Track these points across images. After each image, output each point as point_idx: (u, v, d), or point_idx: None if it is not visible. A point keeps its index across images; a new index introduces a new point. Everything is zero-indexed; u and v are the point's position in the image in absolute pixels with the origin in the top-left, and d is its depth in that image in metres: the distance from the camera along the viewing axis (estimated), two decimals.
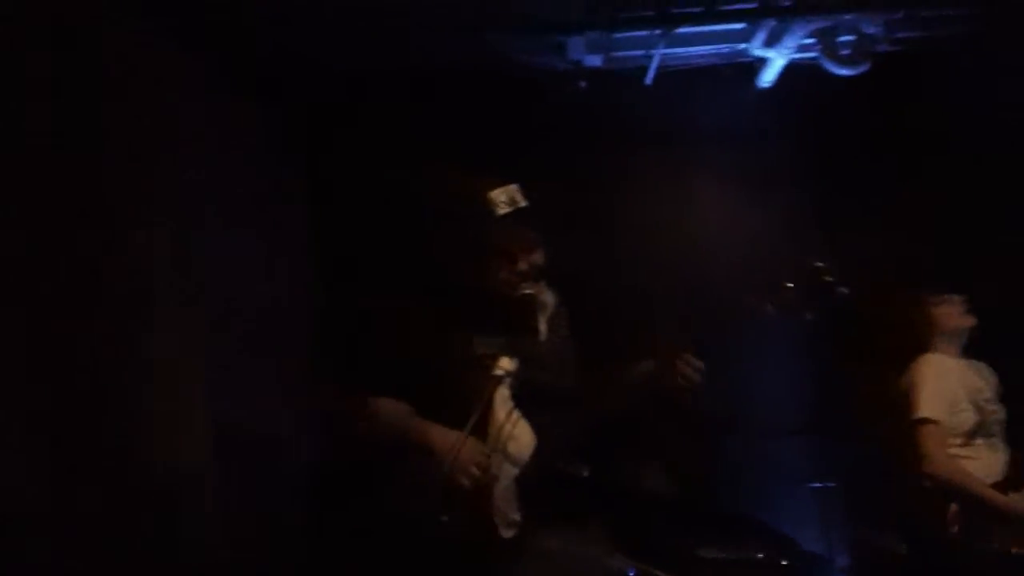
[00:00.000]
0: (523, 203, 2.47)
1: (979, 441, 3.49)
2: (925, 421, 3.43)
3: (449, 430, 2.39)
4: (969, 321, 3.60)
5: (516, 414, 2.47)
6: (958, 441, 3.47)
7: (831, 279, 2.35)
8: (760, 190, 5.34)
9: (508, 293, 2.47)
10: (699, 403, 4.30)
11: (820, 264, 2.38)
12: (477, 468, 2.37)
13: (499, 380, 2.41)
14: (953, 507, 3.37)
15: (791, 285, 2.36)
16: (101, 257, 3.09)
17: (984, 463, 3.45)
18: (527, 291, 2.50)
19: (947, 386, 3.50)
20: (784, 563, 3.95)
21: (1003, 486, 3.37)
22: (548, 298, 2.60)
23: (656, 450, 4.50)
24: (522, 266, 2.49)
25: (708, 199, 5.46)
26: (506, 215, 2.45)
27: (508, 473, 2.45)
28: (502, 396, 2.47)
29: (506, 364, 2.41)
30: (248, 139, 4.38)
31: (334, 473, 2.56)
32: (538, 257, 2.54)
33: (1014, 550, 3.26)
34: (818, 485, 4.61)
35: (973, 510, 3.34)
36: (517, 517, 2.44)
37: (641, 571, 3.78)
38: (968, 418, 3.47)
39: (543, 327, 2.57)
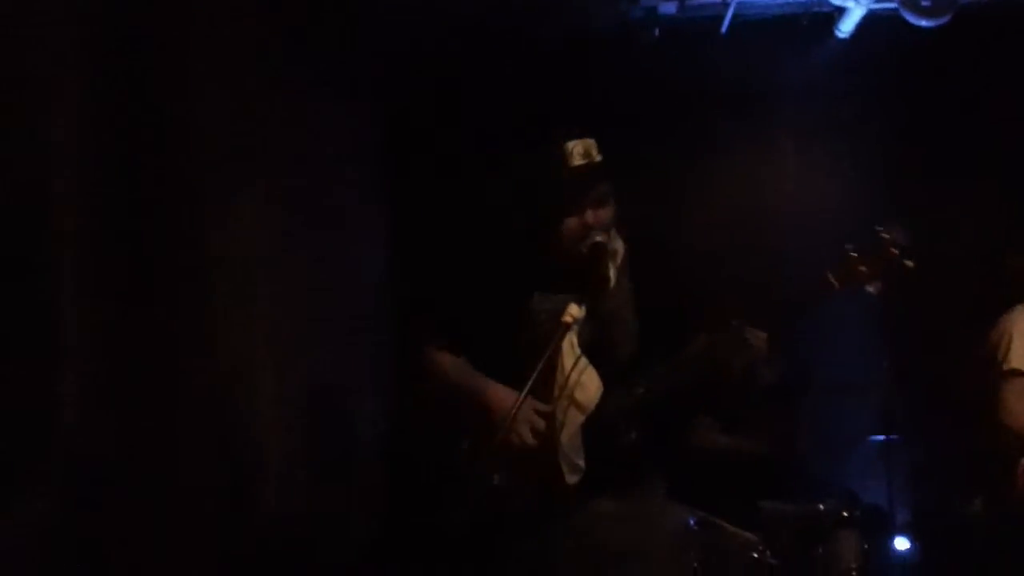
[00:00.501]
0: (598, 157, 2.50)
1: None
2: (1015, 373, 3.40)
3: (507, 389, 2.45)
4: None
5: (583, 361, 2.50)
6: None
7: (898, 251, 2.29)
8: (836, 147, 5.28)
9: (578, 243, 2.50)
10: (757, 378, 4.39)
11: (886, 234, 2.32)
12: (533, 429, 2.43)
13: (567, 327, 2.43)
14: (1023, 464, 3.36)
15: (855, 255, 2.31)
16: (210, 232, 3.19)
17: None
18: (598, 239, 2.51)
19: None
20: (845, 515, 4.00)
21: None
22: (618, 246, 2.61)
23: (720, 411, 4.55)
24: (589, 218, 2.50)
25: (782, 156, 5.41)
26: (578, 167, 2.47)
27: (574, 419, 2.48)
28: (570, 343, 2.49)
29: (574, 311, 2.43)
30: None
31: (406, 437, 2.64)
32: (608, 212, 2.55)
33: None
34: (881, 438, 4.61)
35: None
36: (581, 463, 2.48)
37: (701, 520, 3.89)
38: None
39: (612, 275, 2.59)
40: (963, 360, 3.76)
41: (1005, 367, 3.38)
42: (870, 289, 2.29)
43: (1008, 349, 3.41)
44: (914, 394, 4.69)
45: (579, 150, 2.47)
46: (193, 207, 3.19)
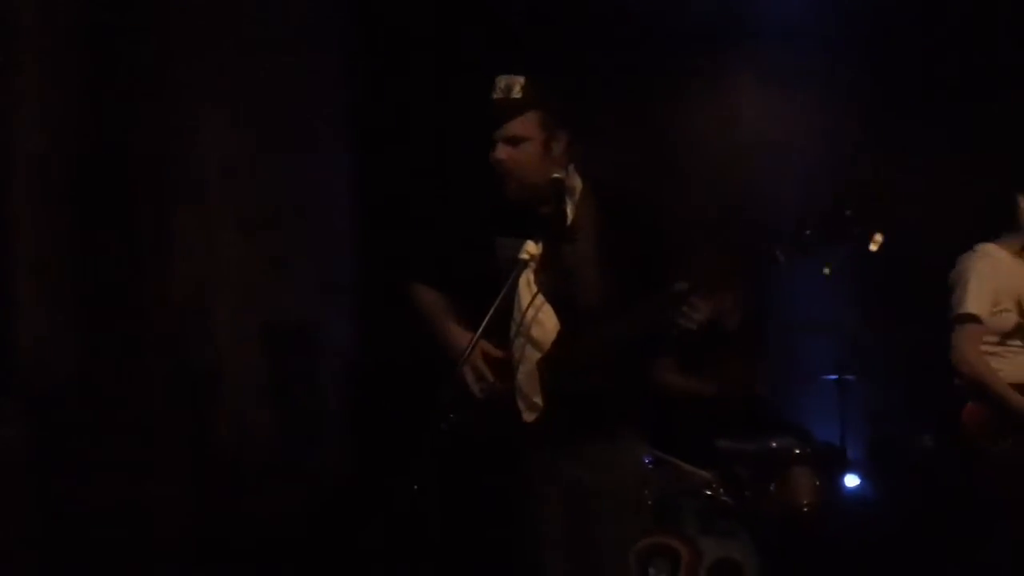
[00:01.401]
0: (517, 95, 2.43)
1: (1016, 343, 3.45)
2: (966, 318, 3.41)
3: (464, 332, 2.47)
4: None
5: (540, 299, 2.46)
6: (994, 339, 3.45)
7: (852, 223, 2.24)
8: (805, 90, 5.27)
9: (504, 183, 2.47)
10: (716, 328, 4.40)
11: (841, 207, 2.25)
12: (489, 371, 2.44)
13: (524, 264, 2.42)
14: (969, 406, 3.41)
15: (808, 232, 2.23)
16: (173, 157, 3.14)
17: (1013, 364, 3.43)
18: (556, 175, 2.46)
19: (995, 284, 3.44)
20: (798, 452, 4.05)
21: None
22: (576, 183, 2.57)
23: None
24: (499, 153, 2.45)
25: (752, 106, 5.38)
26: (496, 101, 2.43)
27: (531, 357, 2.46)
28: (527, 280, 2.46)
29: (531, 248, 2.42)
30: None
31: (372, 366, 2.62)
32: (525, 153, 2.50)
33: None
34: (835, 377, 4.67)
35: (994, 410, 3.38)
36: (539, 401, 2.45)
37: (658, 459, 3.93)
38: (1009, 319, 3.43)
39: (570, 211, 2.56)
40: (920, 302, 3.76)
41: (959, 311, 3.41)
42: (824, 271, 2.28)
43: (964, 293, 3.43)
44: (869, 334, 4.73)
45: (501, 85, 2.44)
46: (156, 133, 3.13)
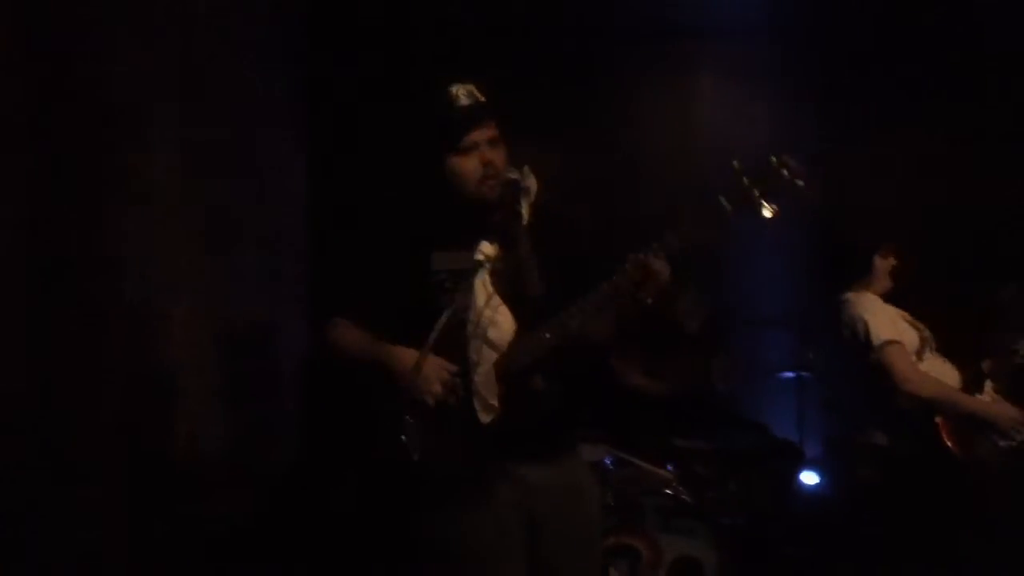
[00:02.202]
0: (482, 98, 2.47)
1: (928, 355, 3.58)
2: (888, 343, 3.50)
3: (410, 351, 2.41)
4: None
5: (496, 300, 2.45)
6: (913, 359, 3.57)
7: (789, 173, 2.25)
8: (756, 86, 5.30)
9: (481, 184, 2.45)
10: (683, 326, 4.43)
11: (776, 158, 2.27)
12: (442, 385, 2.40)
13: (480, 265, 2.41)
14: (939, 420, 3.46)
15: (747, 179, 2.25)
16: (127, 162, 3.10)
17: (943, 373, 3.55)
18: (511, 176, 2.47)
19: (887, 313, 3.62)
20: (757, 450, 4.09)
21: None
22: (531, 183, 2.57)
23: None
24: (487, 156, 2.45)
25: (701, 95, 5.41)
26: (465, 107, 2.45)
27: (488, 358, 2.44)
28: (483, 282, 2.45)
29: (487, 249, 2.42)
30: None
31: (323, 371, 2.59)
32: (503, 152, 2.50)
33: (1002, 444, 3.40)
34: (792, 375, 4.70)
35: (955, 418, 3.44)
36: (495, 402, 2.42)
37: (619, 459, 3.93)
38: (913, 336, 3.58)
39: (525, 212, 2.56)
40: None
41: (878, 341, 3.49)
42: (766, 214, 2.25)
43: (868, 330, 3.53)
44: (826, 330, 4.76)
45: (463, 92, 2.47)
46: (108, 139, 3.10)
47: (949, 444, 3.42)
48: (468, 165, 2.45)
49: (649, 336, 4.36)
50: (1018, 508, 3.41)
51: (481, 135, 2.46)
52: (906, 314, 3.69)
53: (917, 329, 3.62)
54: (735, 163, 2.30)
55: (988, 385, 3.53)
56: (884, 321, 3.56)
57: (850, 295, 3.71)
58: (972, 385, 3.52)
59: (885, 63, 5.17)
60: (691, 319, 4.40)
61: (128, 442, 3.09)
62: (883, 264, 3.72)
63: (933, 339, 3.63)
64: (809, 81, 5.23)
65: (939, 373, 3.54)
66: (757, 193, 2.26)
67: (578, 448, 2.70)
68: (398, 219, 2.65)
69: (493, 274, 2.47)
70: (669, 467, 3.96)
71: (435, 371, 2.40)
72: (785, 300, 4.87)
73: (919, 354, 3.56)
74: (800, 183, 2.26)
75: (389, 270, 2.54)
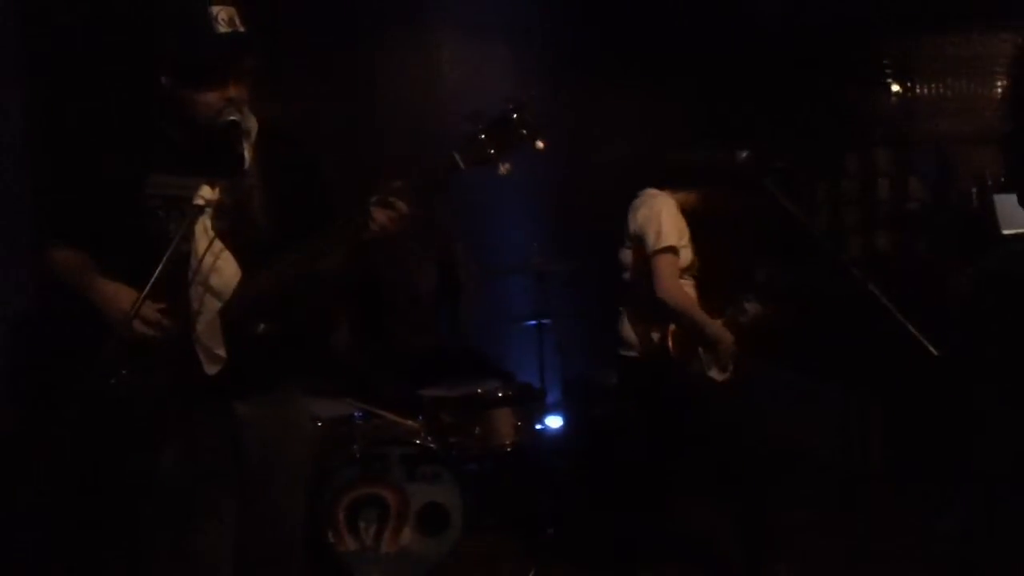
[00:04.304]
0: (241, 28, 2.28)
1: (686, 278, 3.74)
2: (667, 250, 3.63)
3: (119, 286, 2.31)
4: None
5: (218, 245, 2.35)
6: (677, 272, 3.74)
7: (527, 130, 2.24)
8: (495, 46, 5.40)
9: (214, 119, 2.29)
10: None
11: (515, 114, 2.24)
12: (147, 323, 2.28)
13: (199, 210, 2.29)
14: (672, 328, 3.65)
15: (483, 136, 2.23)
16: None
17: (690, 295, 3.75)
18: (232, 117, 2.30)
19: (679, 223, 3.71)
20: (500, 396, 4.20)
21: None
22: (252, 124, 2.46)
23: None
24: (232, 92, 2.30)
25: (440, 54, 5.46)
26: (225, 35, 2.24)
27: (211, 307, 2.35)
28: (203, 226, 2.33)
29: (207, 193, 2.30)
30: None
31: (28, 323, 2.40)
32: (246, 88, 2.39)
33: (711, 374, 3.62)
34: (534, 323, 4.85)
35: (689, 334, 3.64)
36: (221, 352, 2.36)
37: (366, 412, 3.95)
38: (687, 255, 3.72)
39: (247, 155, 2.46)
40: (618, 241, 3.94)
41: (661, 244, 3.63)
42: (501, 171, 2.25)
43: (661, 227, 3.65)
44: (568, 276, 4.94)
45: (224, 16, 2.26)
46: None
47: (671, 348, 3.62)
48: (208, 99, 2.29)
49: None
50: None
51: (233, 70, 2.30)
52: (687, 231, 3.78)
53: (689, 251, 3.75)
54: (472, 122, 2.27)
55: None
56: (673, 227, 3.66)
57: (653, 191, 3.79)
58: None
59: (621, 23, 5.40)
60: (420, 279, 4.51)
61: None
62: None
63: (695, 265, 3.78)
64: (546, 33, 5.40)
65: (689, 293, 3.74)
66: (493, 152, 2.26)
67: (293, 384, 2.65)
68: (111, 139, 2.44)
69: (214, 218, 2.35)
70: (420, 418, 4.04)
71: (150, 316, 2.29)
72: (520, 245, 4.98)
73: (684, 271, 3.71)
74: (540, 145, 2.27)
75: (100, 190, 2.38)
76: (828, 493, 4.51)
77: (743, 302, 3.68)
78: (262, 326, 2.43)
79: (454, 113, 5.10)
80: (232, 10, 2.28)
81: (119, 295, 2.31)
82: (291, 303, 2.46)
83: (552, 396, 4.93)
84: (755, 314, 3.67)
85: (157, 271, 2.14)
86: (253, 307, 2.38)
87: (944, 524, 4.05)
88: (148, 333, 2.30)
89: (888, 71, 5.48)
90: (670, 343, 3.63)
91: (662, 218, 3.66)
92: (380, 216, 2.28)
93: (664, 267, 3.62)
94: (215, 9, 2.25)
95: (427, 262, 4.69)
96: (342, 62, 5.16)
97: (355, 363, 4.35)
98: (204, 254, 2.33)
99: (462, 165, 2.27)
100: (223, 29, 2.25)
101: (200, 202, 2.29)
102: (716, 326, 3.63)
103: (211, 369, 2.36)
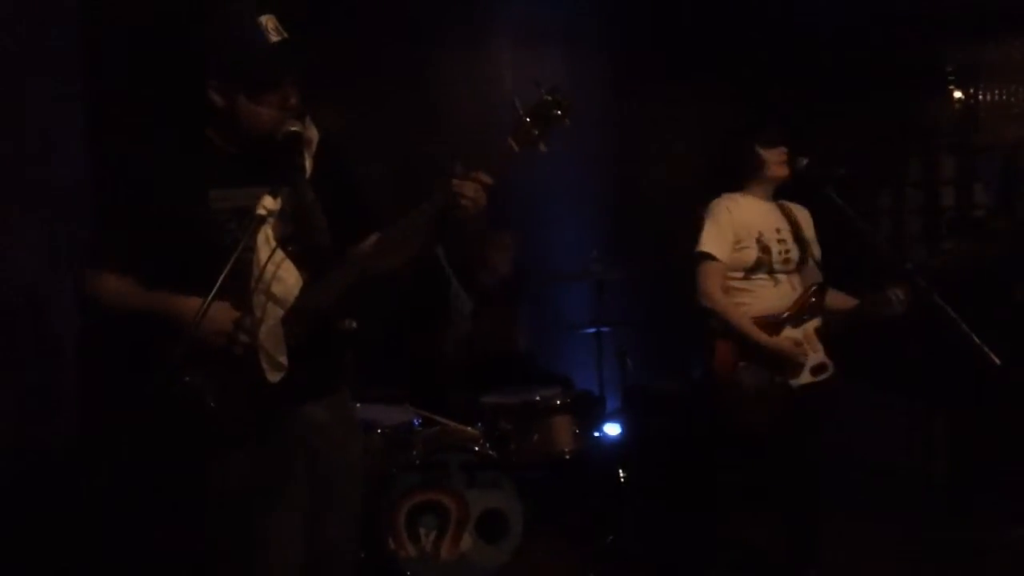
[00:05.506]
0: (285, 34, 2.31)
1: (759, 277, 3.65)
2: (702, 256, 3.62)
3: (191, 298, 2.30)
4: (785, 172, 3.74)
5: (280, 254, 2.38)
6: (739, 275, 3.66)
7: (560, 111, 2.34)
8: (555, 49, 5.43)
9: (275, 129, 2.34)
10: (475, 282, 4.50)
11: (549, 96, 2.35)
12: (232, 327, 2.33)
13: (262, 220, 2.28)
14: (719, 342, 3.62)
15: (528, 120, 2.33)
16: None
17: (759, 297, 3.64)
18: (293, 128, 2.35)
19: (733, 224, 3.64)
20: (559, 403, 4.21)
21: (778, 321, 3.61)
22: (313, 134, 2.50)
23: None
24: (292, 100, 2.34)
25: (500, 57, 5.50)
26: (279, 43, 2.29)
27: (273, 314, 2.38)
28: (265, 236, 2.36)
29: (269, 203, 2.28)
30: None
31: (99, 336, 2.44)
32: (299, 97, 2.43)
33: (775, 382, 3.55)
34: (593, 330, 4.86)
35: (736, 343, 3.61)
36: (284, 360, 2.39)
37: (426, 419, 4.00)
38: (750, 254, 3.63)
39: (308, 164, 2.50)
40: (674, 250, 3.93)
41: (695, 251, 3.63)
42: (542, 148, 2.34)
43: (699, 234, 3.64)
44: (626, 284, 4.95)
45: (271, 26, 2.29)
46: None
47: (719, 365, 3.59)
48: (266, 109, 2.33)
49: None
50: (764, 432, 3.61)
51: (291, 78, 2.34)
52: (781, 223, 3.70)
53: (767, 250, 3.65)
54: (516, 103, 2.35)
55: (811, 323, 3.64)
56: (719, 231, 3.62)
57: (725, 194, 3.73)
58: (796, 316, 3.64)
59: (685, 26, 5.41)
60: (500, 257, 4.51)
61: None
62: (771, 155, 3.67)
63: (793, 262, 3.69)
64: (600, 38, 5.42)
65: (757, 296, 3.66)
66: (537, 133, 2.33)
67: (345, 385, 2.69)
68: (170, 161, 2.43)
69: (276, 227, 2.39)
70: (479, 425, 4.08)
71: (221, 315, 2.32)
72: (583, 256, 5.00)
73: (748, 272, 3.65)
74: (567, 122, 2.35)
75: (162, 214, 2.38)
76: (890, 501, 4.47)
77: (888, 290, 3.51)
78: (352, 323, 2.48)
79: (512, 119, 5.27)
80: (274, 18, 2.32)
81: (190, 302, 2.30)
82: (365, 301, 2.50)
83: (611, 404, 4.94)
84: (903, 300, 3.47)
85: (220, 280, 2.15)
86: (321, 312, 2.41)
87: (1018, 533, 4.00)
88: (221, 334, 2.33)
89: (951, 78, 5.41)
90: (715, 356, 3.61)
91: (704, 223, 3.65)
92: (468, 190, 2.32)
93: (698, 273, 3.61)
94: (263, 19, 2.30)
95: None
96: (400, 68, 5.22)
97: (461, 363, 4.41)
98: (266, 263, 2.36)
99: (516, 148, 2.33)
100: (274, 38, 2.30)
101: (262, 212, 2.28)
102: (768, 339, 3.58)
103: (273, 377, 2.39)
